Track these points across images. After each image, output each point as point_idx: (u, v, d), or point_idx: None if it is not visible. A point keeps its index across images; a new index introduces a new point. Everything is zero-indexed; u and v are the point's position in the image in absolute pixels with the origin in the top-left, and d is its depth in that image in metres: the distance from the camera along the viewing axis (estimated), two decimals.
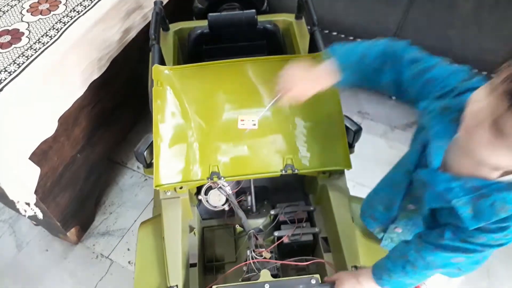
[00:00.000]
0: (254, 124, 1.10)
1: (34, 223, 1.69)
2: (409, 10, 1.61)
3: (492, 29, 1.52)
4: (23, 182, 1.28)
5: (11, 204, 1.40)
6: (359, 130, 1.10)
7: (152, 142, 1.08)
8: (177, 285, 0.93)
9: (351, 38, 1.77)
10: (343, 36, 1.78)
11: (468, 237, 0.72)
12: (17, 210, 1.42)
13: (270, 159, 1.10)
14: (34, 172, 1.29)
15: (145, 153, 1.08)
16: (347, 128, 1.11)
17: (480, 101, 0.58)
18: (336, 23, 1.77)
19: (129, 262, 1.60)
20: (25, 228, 1.72)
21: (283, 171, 1.08)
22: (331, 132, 1.11)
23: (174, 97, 1.10)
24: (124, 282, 1.55)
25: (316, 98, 1.11)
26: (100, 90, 1.54)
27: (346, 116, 1.12)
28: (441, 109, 0.71)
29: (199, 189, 1.14)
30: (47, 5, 1.47)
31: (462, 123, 0.62)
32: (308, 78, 0.86)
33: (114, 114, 1.70)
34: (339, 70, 0.82)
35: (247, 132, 1.08)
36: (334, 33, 1.80)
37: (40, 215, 1.44)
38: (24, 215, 1.43)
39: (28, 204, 1.37)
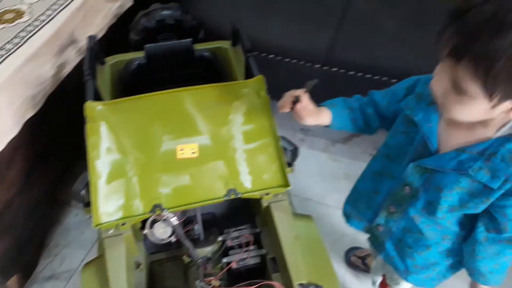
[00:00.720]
0: (194, 153, 1.11)
1: None
2: (339, 31, 1.71)
3: (416, 46, 1.65)
4: None
5: None
6: (295, 149, 1.15)
7: None
8: None
9: (287, 59, 1.84)
10: (279, 58, 1.85)
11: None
12: None
13: (212, 185, 1.11)
14: None
15: (83, 191, 1.06)
16: (284, 148, 1.15)
17: (437, 73, 0.69)
18: (272, 45, 1.83)
19: None
20: None
21: (226, 196, 1.10)
22: (269, 154, 1.14)
23: (110, 132, 1.08)
24: None
25: (252, 122, 1.16)
26: (36, 128, 1.49)
27: (283, 137, 1.17)
28: (416, 98, 0.85)
29: (144, 223, 1.12)
30: None
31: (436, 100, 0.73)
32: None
33: (53, 152, 1.64)
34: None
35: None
36: (271, 56, 1.86)
37: None
38: None
39: None
